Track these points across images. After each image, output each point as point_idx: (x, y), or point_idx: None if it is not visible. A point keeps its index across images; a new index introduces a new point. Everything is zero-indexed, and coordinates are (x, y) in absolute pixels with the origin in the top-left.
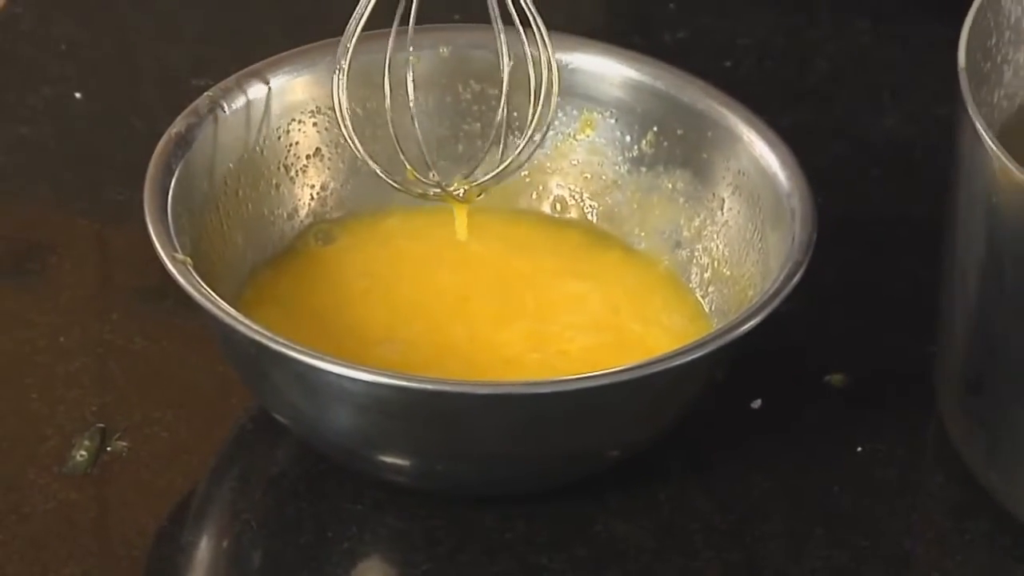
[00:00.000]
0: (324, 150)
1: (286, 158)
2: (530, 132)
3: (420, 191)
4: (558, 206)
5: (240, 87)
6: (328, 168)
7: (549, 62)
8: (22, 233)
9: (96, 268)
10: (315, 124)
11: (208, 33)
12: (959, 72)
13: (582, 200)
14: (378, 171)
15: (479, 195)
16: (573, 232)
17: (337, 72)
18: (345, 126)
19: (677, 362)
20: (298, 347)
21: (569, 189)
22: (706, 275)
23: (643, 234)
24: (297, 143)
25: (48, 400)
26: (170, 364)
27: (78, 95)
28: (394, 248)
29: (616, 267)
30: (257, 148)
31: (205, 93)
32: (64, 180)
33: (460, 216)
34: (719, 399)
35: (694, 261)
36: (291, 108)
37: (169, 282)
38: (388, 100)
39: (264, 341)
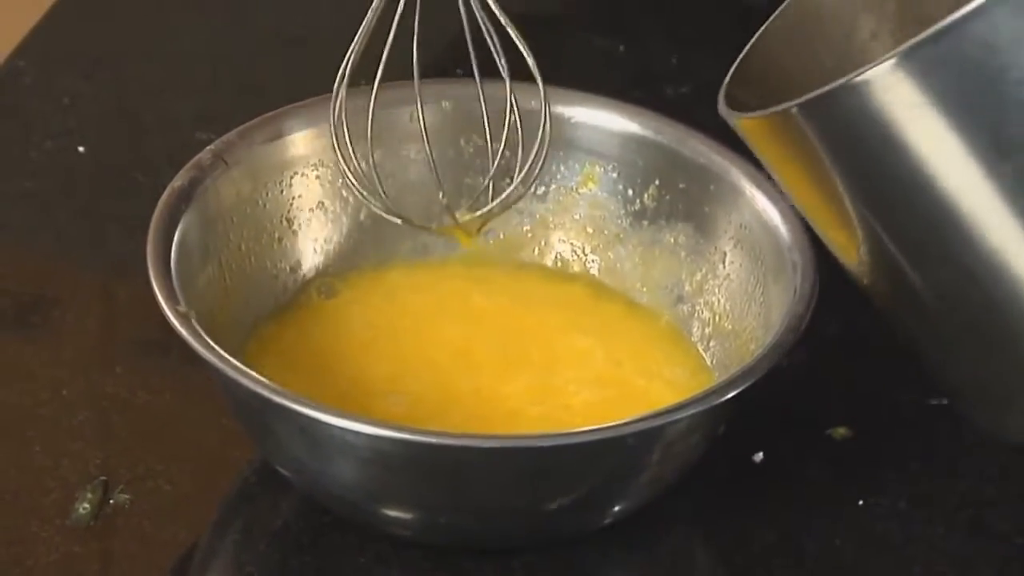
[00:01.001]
0: (327, 203)
1: (289, 211)
2: (528, 164)
3: (421, 222)
4: (560, 261)
5: (243, 141)
6: (331, 221)
7: (544, 97)
8: (26, 286)
9: (99, 321)
10: (318, 177)
11: (210, 87)
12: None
13: (584, 254)
14: (376, 206)
15: (481, 227)
16: (576, 286)
17: (335, 104)
18: (343, 153)
19: (678, 416)
20: (301, 399)
21: (571, 244)
22: (708, 329)
23: (645, 288)
24: (300, 196)
25: (51, 452)
26: (173, 417)
27: (81, 149)
28: (397, 301)
29: (619, 321)
30: (260, 201)
31: (208, 147)
32: (67, 233)
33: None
34: (721, 451)
35: (696, 315)
36: (293, 161)
37: (172, 335)
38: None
39: (267, 394)
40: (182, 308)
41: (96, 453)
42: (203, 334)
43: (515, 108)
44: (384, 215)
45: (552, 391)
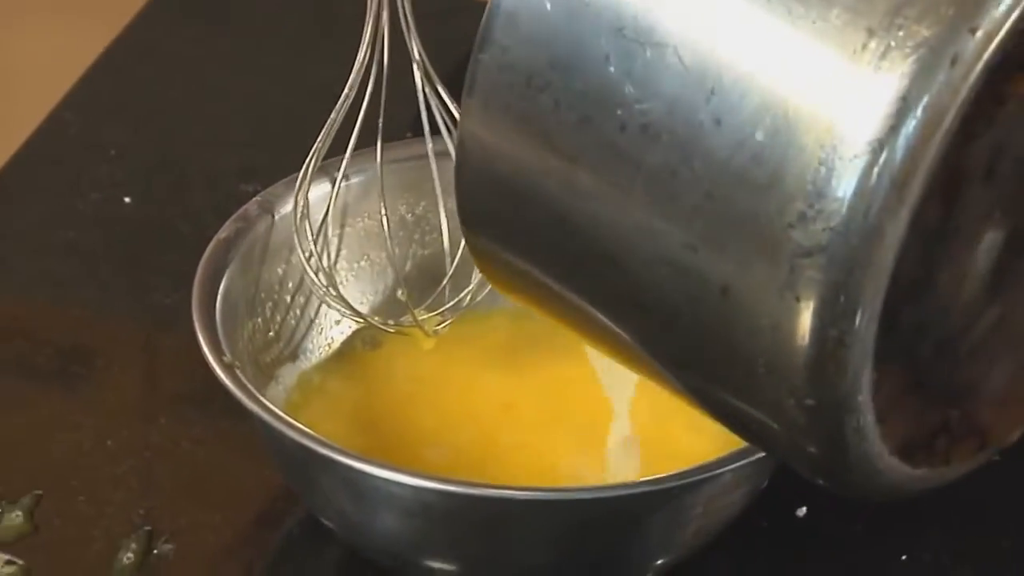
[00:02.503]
0: (372, 255)
1: (335, 263)
2: None
3: (381, 322)
4: None
5: (289, 192)
6: (376, 273)
7: None
8: (70, 337)
9: (143, 371)
10: (364, 229)
11: (256, 139)
12: None
13: None
14: (338, 306)
15: (439, 325)
16: None
17: (298, 196)
18: (303, 246)
19: (721, 470)
20: (345, 451)
21: None
22: None
23: None
24: (346, 247)
25: (95, 502)
26: (216, 468)
27: (127, 200)
28: (441, 353)
29: None
30: (306, 252)
31: (254, 198)
32: (112, 284)
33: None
34: (764, 507)
35: None
36: (339, 213)
37: (216, 386)
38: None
39: (311, 445)
40: (227, 359)
41: (140, 503)
42: (248, 385)
43: None
44: (346, 316)
45: (595, 445)
